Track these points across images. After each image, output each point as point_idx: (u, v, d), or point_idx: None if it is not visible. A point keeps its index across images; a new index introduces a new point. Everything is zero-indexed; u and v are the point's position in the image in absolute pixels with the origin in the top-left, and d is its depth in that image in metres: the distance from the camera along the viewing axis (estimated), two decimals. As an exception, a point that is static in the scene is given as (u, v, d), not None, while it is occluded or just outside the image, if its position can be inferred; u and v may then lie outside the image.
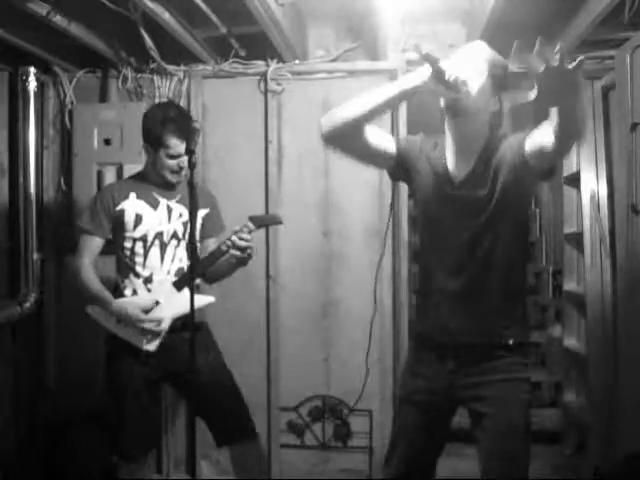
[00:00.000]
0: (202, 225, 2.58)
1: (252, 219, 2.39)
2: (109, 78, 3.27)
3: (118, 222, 2.49)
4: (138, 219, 2.48)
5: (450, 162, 1.80)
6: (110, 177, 3.18)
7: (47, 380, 3.31)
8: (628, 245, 2.83)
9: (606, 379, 3.21)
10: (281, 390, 3.24)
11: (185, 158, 2.40)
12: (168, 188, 2.53)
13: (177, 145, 2.42)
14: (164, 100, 3.17)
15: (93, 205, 2.51)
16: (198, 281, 2.52)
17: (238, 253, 2.34)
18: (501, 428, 1.72)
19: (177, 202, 2.54)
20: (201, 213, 2.58)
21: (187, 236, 2.52)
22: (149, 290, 2.46)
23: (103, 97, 3.29)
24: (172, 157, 2.43)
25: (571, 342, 3.72)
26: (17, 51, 2.93)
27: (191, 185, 2.17)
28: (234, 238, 2.34)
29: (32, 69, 3.13)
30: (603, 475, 2.72)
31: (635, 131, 2.70)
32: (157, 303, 2.40)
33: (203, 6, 2.60)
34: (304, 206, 3.24)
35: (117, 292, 2.49)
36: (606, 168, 3.29)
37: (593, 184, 3.34)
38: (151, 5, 2.45)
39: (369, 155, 1.86)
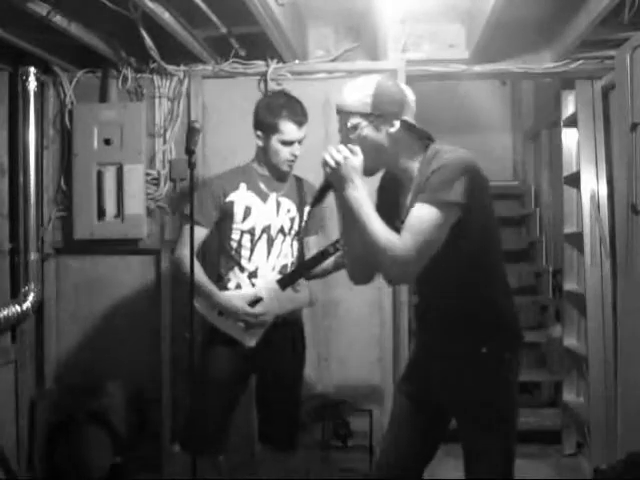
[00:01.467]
0: (306, 222, 2.54)
1: None
2: (109, 78, 3.26)
3: (227, 213, 2.44)
4: (247, 211, 2.44)
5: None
6: (110, 177, 3.18)
7: (47, 380, 3.31)
8: (628, 245, 2.83)
9: (606, 379, 3.21)
10: (281, 390, 3.24)
11: (298, 146, 2.42)
12: (278, 179, 2.49)
13: (292, 131, 2.40)
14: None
15: (202, 194, 2.45)
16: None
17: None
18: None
19: (285, 196, 2.51)
20: (307, 209, 2.52)
21: (294, 231, 2.51)
22: (253, 285, 2.43)
23: (103, 97, 3.28)
24: (285, 143, 2.41)
25: (571, 342, 3.72)
26: (17, 51, 2.93)
27: (191, 186, 2.17)
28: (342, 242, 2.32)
29: (32, 69, 3.12)
30: (603, 475, 2.72)
31: (635, 131, 2.70)
32: (260, 299, 2.38)
33: (203, 6, 2.60)
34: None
35: (220, 285, 2.44)
36: (606, 168, 3.30)
37: (593, 184, 3.34)
38: (151, 5, 2.45)
39: None
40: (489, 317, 1.75)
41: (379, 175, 1.89)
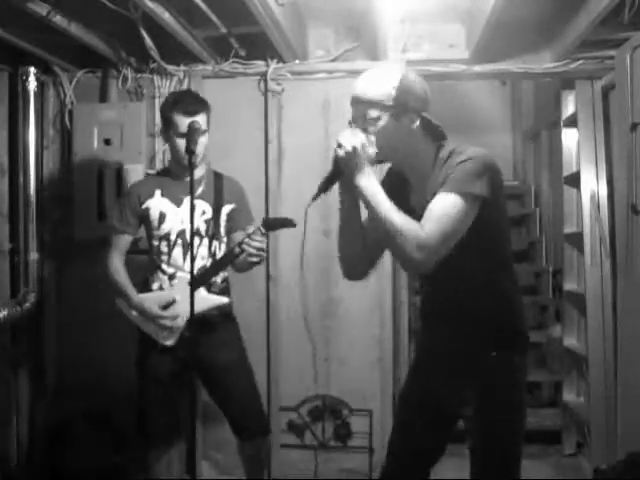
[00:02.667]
0: (227, 220, 2.58)
1: (265, 221, 2.40)
2: (109, 78, 3.27)
3: (144, 220, 2.53)
4: (162, 217, 2.50)
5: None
6: (110, 177, 3.18)
7: (47, 380, 3.31)
8: (628, 245, 2.83)
9: (606, 379, 3.21)
10: (281, 390, 3.24)
11: (197, 138, 2.38)
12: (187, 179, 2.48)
13: (183, 121, 2.40)
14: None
15: (121, 203, 2.57)
16: (214, 280, 2.54)
17: (252, 258, 2.36)
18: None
19: (199, 198, 2.52)
20: (226, 209, 2.58)
21: (210, 233, 2.54)
22: (172, 287, 2.50)
23: (103, 97, 3.28)
24: (180, 135, 2.42)
25: (571, 342, 3.72)
26: (17, 51, 2.93)
27: (191, 186, 2.17)
28: (247, 240, 2.35)
29: (32, 69, 3.12)
30: (603, 475, 2.72)
31: (635, 131, 2.70)
32: (174, 300, 2.45)
33: (203, 6, 2.60)
34: (304, 205, 3.23)
35: (145, 287, 2.53)
36: (606, 168, 3.30)
37: (593, 184, 3.34)
38: (151, 5, 2.45)
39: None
40: (499, 317, 1.73)
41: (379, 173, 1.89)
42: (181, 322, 2.44)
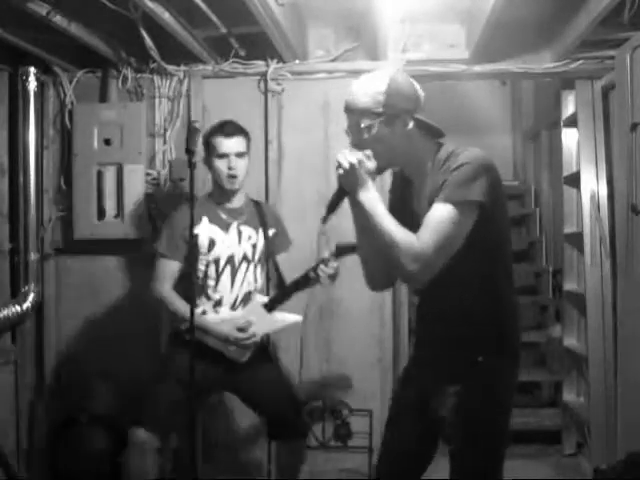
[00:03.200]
0: (270, 245, 2.68)
1: (338, 248, 2.45)
2: (109, 78, 3.26)
3: (193, 246, 2.52)
4: (211, 243, 2.55)
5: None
6: (110, 177, 3.18)
7: (47, 380, 3.31)
8: (628, 245, 2.83)
9: (606, 379, 3.21)
10: (281, 390, 3.24)
11: (237, 160, 2.51)
12: (229, 201, 2.59)
13: (222, 142, 2.51)
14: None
15: (169, 229, 2.57)
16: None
17: (324, 282, 2.44)
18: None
19: (245, 224, 2.62)
20: (269, 234, 2.67)
21: (257, 258, 2.64)
22: (217, 312, 2.57)
23: (103, 97, 3.28)
24: (221, 156, 2.51)
25: (571, 342, 3.72)
26: (17, 51, 2.92)
27: (191, 186, 2.17)
28: (322, 267, 2.41)
29: (32, 69, 3.12)
30: (603, 475, 2.72)
31: (635, 131, 2.70)
32: (250, 323, 2.51)
33: (203, 6, 2.60)
34: (304, 206, 3.24)
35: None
36: (606, 168, 3.30)
37: (593, 184, 3.34)
38: (151, 5, 2.45)
39: None
40: (492, 320, 1.72)
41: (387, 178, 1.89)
42: (257, 340, 2.53)
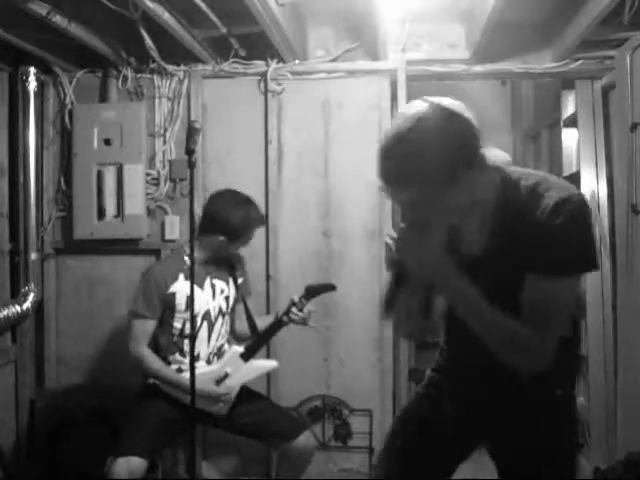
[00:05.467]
0: (240, 292, 2.72)
1: (308, 290, 2.51)
2: (109, 78, 3.26)
3: (169, 304, 2.54)
4: (189, 300, 2.50)
5: None
6: (110, 177, 3.18)
7: (47, 380, 3.31)
8: (628, 245, 2.83)
9: (606, 379, 3.21)
10: (281, 390, 3.24)
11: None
12: (209, 261, 2.60)
13: (254, 232, 2.59)
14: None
15: (145, 289, 2.53)
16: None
17: (299, 324, 2.52)
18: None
19: (217, 278, 2.64)
20: (239, 280, 2.71)
21: (229, 309, 2.67)
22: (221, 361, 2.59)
23: (103, 97, 3.28)
24: (246, 243, 2.60)
25: (571, 342, 3.71)
26: (17, 51, 2.92)
27: (191, 186, 2.17)
28: (294, 310, 2.48)
29: (32, 69, 3.13)
30: (603, 475, 2.72)
31: (635, 131, 2.70)
32: (226, 374, 2.52)
33: (203, 6, 2.60)
34: (304, 206, 3.24)
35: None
36: (606, 168, 3.30)
37: (593, 184, 3.34)
38: (151, 5, 2.45)
39: None
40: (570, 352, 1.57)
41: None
42: (235, 392, 2.55)
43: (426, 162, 1.24)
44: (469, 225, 1.45)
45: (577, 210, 1.30)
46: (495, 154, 1.41)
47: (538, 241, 1.29)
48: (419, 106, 1.29)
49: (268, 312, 3.24)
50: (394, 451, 1.71)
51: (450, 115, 1.29)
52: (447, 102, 1.31)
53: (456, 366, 1.68)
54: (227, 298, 2.66)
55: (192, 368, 2.16)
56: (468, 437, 1.67)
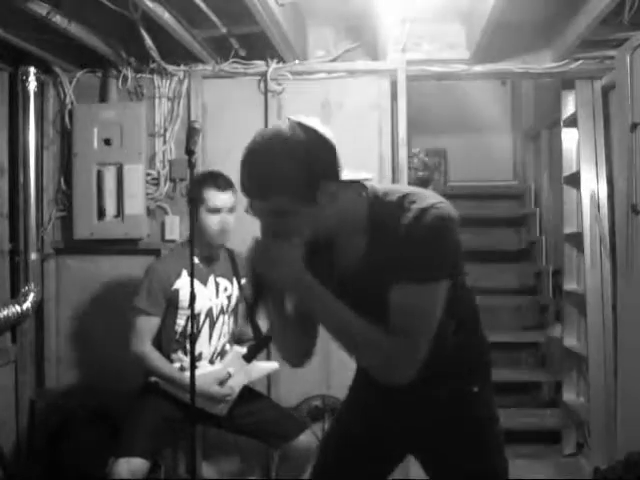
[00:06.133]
0: (243, 293, 2.68)
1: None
2: (109, 78, 3.26)
3: (173, 301, 2.52)
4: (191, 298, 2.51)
5: None
6: (110, 177, 3.18)
7: (47, 380, 3.31)
8: (628, 245, 2.83)
9: (606, 379, 3.21)
10: (281, 390, 3.24)
11: (229, 216, 2.47)
12: (213, 256, 2.59)
13: (216, 196, 2.46)
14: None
15: (149, 285, 2.51)
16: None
17: None
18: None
19: (221, 276, 2.62)
20: (243, 281, 2.67)
21: (231, 308, 2.64)
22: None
23: (103, 97, 3.28)
24: (212, 211, 2.47)
25: (571, 342, 3.72)
26: (17, 51, 2.92)
27: (191, 184, 2.17)
28: None
29: (32, 69, 3.12)
30: (603, 475, 2.72)
31: (635, 131, 2.70)
32: (229, 375, 2.50)
33: (203, 6, 2.60)
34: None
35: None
36: (606, 168, 3.30)
37: (593, 184, 3.34)
38: (151, 5, 2.45)
39: None
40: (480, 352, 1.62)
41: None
42: (236, 393, 2.54)
43: (279, 171, 1.29)
44: (339, 240, 1.48)
45: (435, 219, 1.32)
46: (359, 173, 1.43)
47: (402, 252, 1.33)
48: (279, 123, 1.35)
49: (268, 312, 3.24)
50: (320, 474, 1.74)
51: (306, 129, 1.32)
52: (306, 119, 1.35)
53: (366, 380, 1.66)
54: (230, 297, 2.65)
55: (192, 367, 2.16)
56: (389, 452, 1.69)
